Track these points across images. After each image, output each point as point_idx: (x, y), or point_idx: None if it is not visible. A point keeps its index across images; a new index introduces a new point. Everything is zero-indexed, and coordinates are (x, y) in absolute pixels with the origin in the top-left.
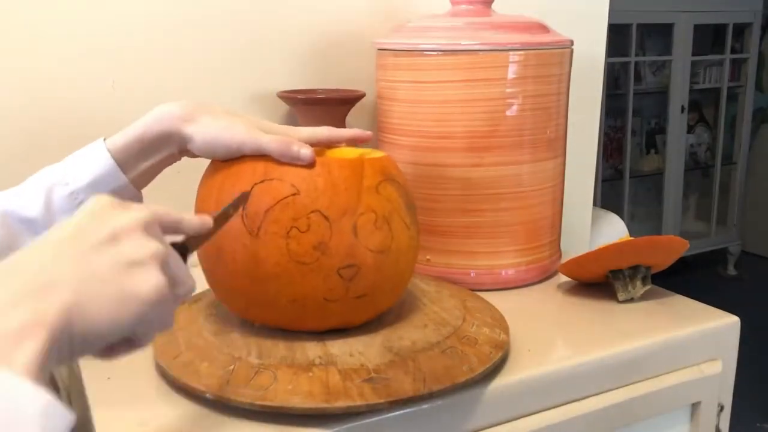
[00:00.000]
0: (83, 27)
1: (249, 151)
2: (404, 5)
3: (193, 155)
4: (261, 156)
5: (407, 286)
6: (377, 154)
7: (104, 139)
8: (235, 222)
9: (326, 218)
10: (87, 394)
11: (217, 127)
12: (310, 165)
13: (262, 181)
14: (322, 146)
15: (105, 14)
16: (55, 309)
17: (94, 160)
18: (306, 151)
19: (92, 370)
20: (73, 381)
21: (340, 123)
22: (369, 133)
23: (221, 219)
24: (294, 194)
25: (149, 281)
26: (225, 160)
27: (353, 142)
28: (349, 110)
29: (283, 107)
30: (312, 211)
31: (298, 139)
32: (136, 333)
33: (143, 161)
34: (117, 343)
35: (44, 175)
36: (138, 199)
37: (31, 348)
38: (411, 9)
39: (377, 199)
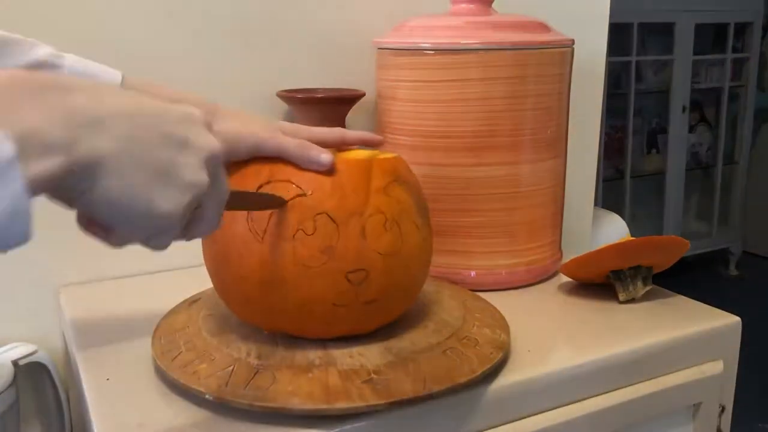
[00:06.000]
0: (84, 26)
1: (268, 152)
2: (404, 5)
3: None
4: (266, 158)
5: (420, 291)
6: (388, 154)
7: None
8: (240, 225)
9: (333, 220)
10: (86, 395)
11: (236, 126)
12: (330, 171)
13: (267, 182)
14: (332, 148)
15: (106, 14)
16: (86, 150)
17: None
18: (326, 156)
19: (91, 371)
20: (71, 382)
21: (340, 123)
22: (380, 137)
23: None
24: (300, 196)
25: (170, 201)
26: (239, 161)
27: (364, 144)
28: (349, 110)
29: (283, 107)
30: (318, 213)
31: (309, 138)
32: (118, 226)
33: None
34: (96, 220)
35: None
36: None
37: (45, 167)
38: (411, 9)
39: (386, 200)
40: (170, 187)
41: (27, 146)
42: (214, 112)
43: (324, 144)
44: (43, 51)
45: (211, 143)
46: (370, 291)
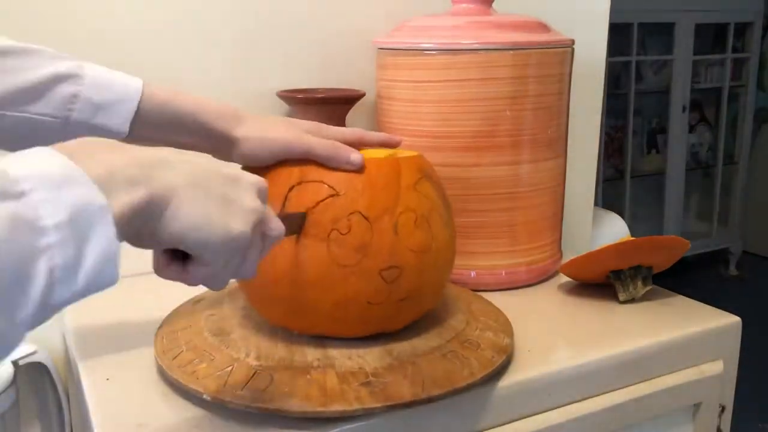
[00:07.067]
0: (84, 26)
1: (296, 154)
2: (404, 5)
3: (230, 160)
4: (296, 159)
5: (445, 287)
6: (409, 153)
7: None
8: None
9: (366, 219)
10: (86, 394)
11: (261, 130)
12: (360, 170)
13: (299, 184)
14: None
15: (107, 15)
16: (162, 183)
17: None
18: (356, 156)
19: (91, 371)
20: (71, 382)
21: (340, 123)
22: (399, 138)
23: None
24: (333, 195)
25: (239, 224)
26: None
27: (383, 146)
28: (349, 110)
29: (283, 107)
30: (352, 212)
31: (329, 137)
32: (200, 256)
33: (166, 135)
34: (176, 258)
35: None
36: None
37: (130, 200)
38: (411, 9)
39: (416, 197)
40: (237, 212)
41: (112, 183)
42: (239, 117)
43: (343, 143)
44: (64, 64)
45: (258, 179)
46: (403, 288)
